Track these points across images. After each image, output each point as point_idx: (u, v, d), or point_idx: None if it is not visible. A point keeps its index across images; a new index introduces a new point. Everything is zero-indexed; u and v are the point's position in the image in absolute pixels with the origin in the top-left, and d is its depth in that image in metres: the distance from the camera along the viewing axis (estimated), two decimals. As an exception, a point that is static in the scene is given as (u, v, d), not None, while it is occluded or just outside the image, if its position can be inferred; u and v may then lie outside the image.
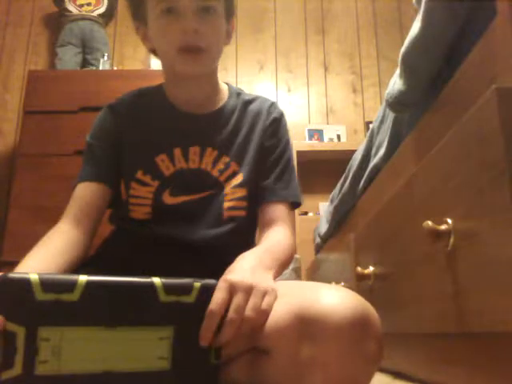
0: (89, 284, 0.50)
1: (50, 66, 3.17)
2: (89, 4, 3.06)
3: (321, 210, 3.01)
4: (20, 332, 0.48)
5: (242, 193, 0.85)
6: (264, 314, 0.58)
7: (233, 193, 0.84)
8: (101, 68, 2.90)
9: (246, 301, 0.58)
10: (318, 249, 2.35)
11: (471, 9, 0.84)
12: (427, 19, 0.89)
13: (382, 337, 0.56)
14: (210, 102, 0.90)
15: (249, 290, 0.59)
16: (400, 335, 1.00)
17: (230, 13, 0.86)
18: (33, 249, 0.74)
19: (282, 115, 0.93)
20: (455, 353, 0.75)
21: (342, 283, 1.46)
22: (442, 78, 0.94)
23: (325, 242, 2.19)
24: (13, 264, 0.70)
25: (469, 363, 0.71)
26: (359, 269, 1.18)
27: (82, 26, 3.00)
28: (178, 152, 0.85)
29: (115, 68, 3.16)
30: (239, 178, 0.85)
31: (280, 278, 0.75)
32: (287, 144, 0.91)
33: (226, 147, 0.86)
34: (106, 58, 2.94)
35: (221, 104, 0.90)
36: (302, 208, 3.04)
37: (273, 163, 0.88)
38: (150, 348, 0.52)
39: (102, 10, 3.10)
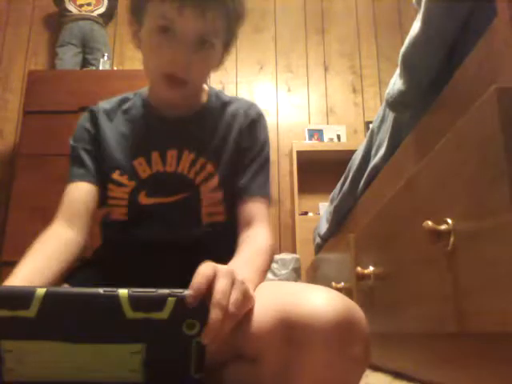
0: (46, 298, 0.46)
1: (50, 66, 3.17)
2: (89, 4, 3.06)
3: (321, 210, 3.01)
4: None
5: (218, 197, 0.84)
6: (238, 315, 0.54)
7: (209, 198, 0.84)
8: (101, 68, 2.90)
9: (230, 287, 0.54)
10: (318, 249, 2.35)
11: (471, 9, 0.84)
12: (427, 19, 0.89)
13: (368, 338, 0.55)
14: (189, 104, 0.90)
15: (232, 278, 0.55)
16: (400, 335, 1.00)
17: (228, 46, 0.86)
18: (27, 253, 0.74)
19: (260, 116, 0.92)
20: (455, 353, 0.75)
21: (342, 283, 1.46)
22: (442, 78, 0.94)
23: (325, 242, 2.19)
24: (13, 264, 0.70)
25: (469, 363, 0.71)
26: (359, 269, 1.18)
27: (82, 25, 3.00)
28: (155, 155, 0.86)
29: (115, 68, 3.17)
30: (215, 181, 0.85)
31: (279, 278, 0.75)
32: (264, 145, 0.90)
33: (203, 149, 0.86)
34: (106, 57, 2.94)
35: (199, 106, 0.91)
36: (302, 208, 3.04)
37: (248, 164, 0.87)
38: (119, 361, 0.48)
39: (101, 9, 3.10)
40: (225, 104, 0.92)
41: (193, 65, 0.78)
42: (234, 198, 0.86)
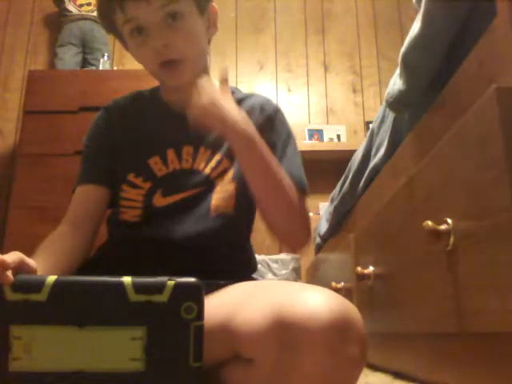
0: (56, 284, 0.51)
1: (50, 66, 3.17)
2: (89, 4, 3.06)
3: (321, 210, 3.01)
4: None
5: (231, 189, 0.83)
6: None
7: (221, 190, 0.83)
8: (101, 68, 2.90)
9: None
10: (318, 249, 2.35)
11: (471, 9, 0.84)
12: (427, 19, 0.89)
13: (365, 338, 0.54)
14: None
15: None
16: (400, 335, 1.00)
17: (203, 3, 0.83)
18: (35, 253, 0.74)
19: (276, 111, 0.90)
20: (455, 353, 0.75)
21: (342, 283, 1.46)
22: (442, 78, 0.94)
23: (325, 242, 2.20)
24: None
25: (469, 363, 0.71)
26: (359, 269, 1.18)
27: (81, 25, 3.00)
28: (171, 153, 0.85)
29: (115, 68, 3.16)
30: (230, 175, 0.84)
31: (279, 278, 0.75)
32: (288, 138, 0.88)
33: (219, 145, 0.85)
34: (106, 57, 2.94)
35: None
36: (302, 208, 3.03)
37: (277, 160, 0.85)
38: (121, 349, 0.51)
39: (102, 9, 3.10)
40: (240, 100, 0.90)
41: (174, 40, 0.78)
42: (248, 192, 0.83)
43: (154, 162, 0.85)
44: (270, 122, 0.88)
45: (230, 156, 0.85)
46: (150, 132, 0.88)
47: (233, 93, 0.92)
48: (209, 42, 0.89)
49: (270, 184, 0.78)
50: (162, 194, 0.83)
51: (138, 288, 0.52)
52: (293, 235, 0.82)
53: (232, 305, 0.64)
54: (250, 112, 0.89)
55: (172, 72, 0.81)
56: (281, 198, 0.79)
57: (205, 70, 0.89)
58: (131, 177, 0.85)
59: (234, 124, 0.74)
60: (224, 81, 0.77)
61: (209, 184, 0.83)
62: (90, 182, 0.86)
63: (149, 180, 0.84)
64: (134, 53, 0.84)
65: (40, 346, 0.50)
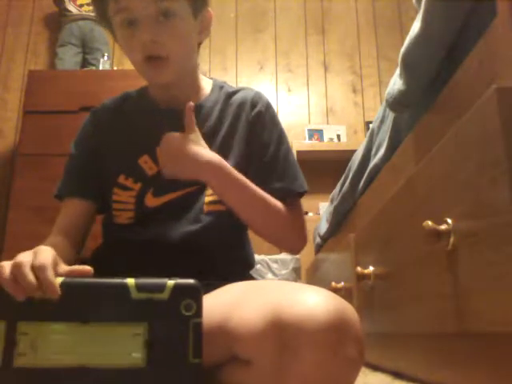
0: (63, 285, 0.54)
1: (50, 66, 3.17)
2: (89, 4, 3.06)
3: (321, 210, 3.01)
4: (1, 326, 0.53)
5: None
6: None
7: None
8: (101, 68, 2.91)
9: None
10: (318, 249, 2.35)
11: (471, 9, 0.84)
12: (427, 19, 0.89)
13: (362, 338, 0.54)
14: (192, 97, 0.87)
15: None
16: (400, 335, 1.00)
17: (198, 7, 0.82)
18: None
19: (267, 106, 0.90)
20: (455, 353, 0.75)
21: (342, 283, 1.46)
22: (442, 78, 0.94)
23: (325, 242, 2.20)
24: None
25: (469, 363, 0.71)
26: (359, 269, 1.18)
27: (81, 25, 3.00)
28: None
29: (115, 68, 3.16)
30: None
31: (279, 278, 0.75)
32: (280, 136, 0.88)
33: (210, 140, 0.84)
34: (105, 57, 2.94)
35: (202, 98, 0.89)
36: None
37: (271, 163, 0.85)
38: (124, 345, 0.53)
39: (101, 9, 3.10)
40: (229, 95, 0.90)
41: (162, 37, 0.78)
42: None
43: (144, 161, 0.84)
44: (261, 118, 0.88)
45: (223, 151, 0.83)
46: (139, 131, 0.88)
47: (222, 87, 0.92)
48: (199, 45, 0.88)
49: (255, 211, 0.81)
50: (154, 194, 0.83)
51: (140, 286, 0.55)
52: (286, 244, 0.87)
53: (229, 305, 0.64)
54: (240, 107, 0.88)
55: (156, 68, 0.80)
56: (269, 221, 0.82)
57: (192, 73, 0.89)
58: (122, 179, 0.84)
59: (205, 164, 0.77)
60: (189, 119, 0.79)
61: (201, 182, 0.82)
62: (76, 196, 0.86)
63: (139, 181, 0.83)
64: (121, 43, 0.83)
65: (45, 342, 0.53)
